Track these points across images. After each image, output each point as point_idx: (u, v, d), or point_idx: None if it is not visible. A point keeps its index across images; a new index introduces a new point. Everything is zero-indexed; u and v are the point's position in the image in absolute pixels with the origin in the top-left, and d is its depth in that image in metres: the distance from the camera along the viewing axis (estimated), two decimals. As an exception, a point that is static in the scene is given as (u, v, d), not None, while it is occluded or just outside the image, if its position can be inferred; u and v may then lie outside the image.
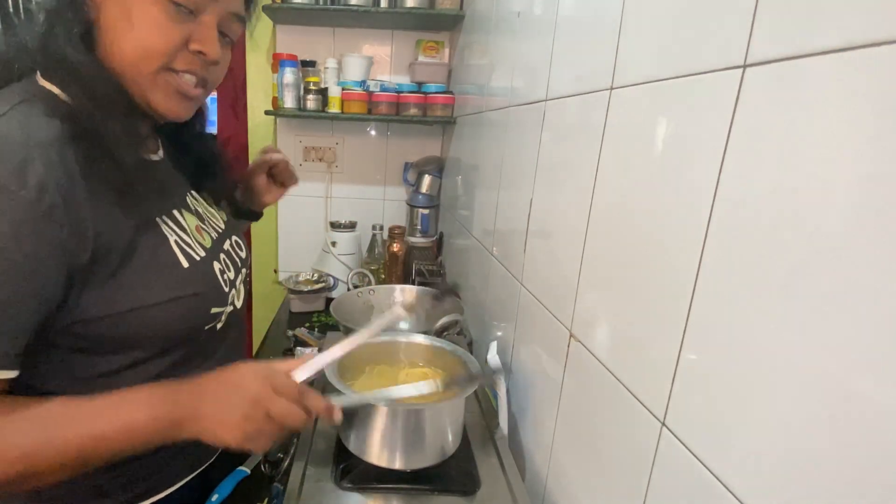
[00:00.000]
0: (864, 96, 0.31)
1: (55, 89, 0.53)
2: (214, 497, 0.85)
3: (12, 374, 0.48)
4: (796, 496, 0.35)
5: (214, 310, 0.62)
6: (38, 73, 0.54)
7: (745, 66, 0.41)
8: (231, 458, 0.82)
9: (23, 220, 0.44)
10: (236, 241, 0.72)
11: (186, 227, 0.62)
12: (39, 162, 0.45)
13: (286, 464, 0.81)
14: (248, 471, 0.91)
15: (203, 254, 0.62)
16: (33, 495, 0.58)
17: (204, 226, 0.67)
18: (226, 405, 0.52)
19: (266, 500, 0.82)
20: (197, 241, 0.63)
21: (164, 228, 0.59)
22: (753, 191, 0.39)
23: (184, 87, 0.57)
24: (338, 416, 0.59)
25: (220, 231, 0.70)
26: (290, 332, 1.50)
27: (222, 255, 0.66)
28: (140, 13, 0.52)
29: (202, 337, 0.63)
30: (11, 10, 1.32)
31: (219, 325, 0.65)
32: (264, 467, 0.88)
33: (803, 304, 0.35)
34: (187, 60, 0.56)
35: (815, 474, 0.33)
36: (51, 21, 0.52)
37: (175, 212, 0.62)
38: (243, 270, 0.72)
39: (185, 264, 0.59)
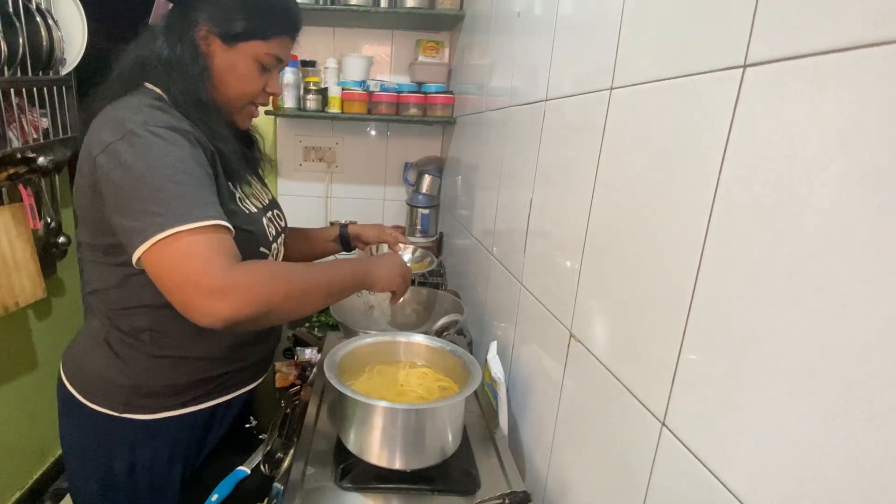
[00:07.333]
0: (863, 96, 0.31)
1: (158, 90, 0.79)
2: (214, 497, 0.85)
3: (229, 225, 0.69)
4: (796, 496, 0.35)
5: (262, 249, 0.86)
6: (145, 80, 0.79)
7: (745, 66, 0.41)
8: (231, 458, 0.83)
9: (191, 146, 0.72)
10: (277, 213, 0.98)
11: (244, 192, 0.89)
12: (186, 124, 0.74)
13: (286, 464, 0.81)
14: (248, 471, 0.91)
15: (255, 210, 0.87)
16: (102, 394, 0.83)
17: (255, 195, 0.92)
18: (389, 268, 0.88)
19: (266, 500, 0.82)
20: (252, 202, 0.89)
21: (231, 187, 0.84)
22: (753, 190, 0.39)
23: (255, 113, 0.90)
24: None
25: (266, 203, 0.95)
26: (290, 332, 1.50)
27: (266, 217, 0.91)
28: (242, 66, 0.81)
29: None
30: (11, 10, 1.32)
31: None
32: (264, 467, 0.88)
33: (804, 304, 0.35)
34: (262, 98, 0.87)
35: (815, 474, 0.33)
36: (181, 59, 0.78)
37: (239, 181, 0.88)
38: (282, 235, 0.97)
39: (246, 211, 0.84)
